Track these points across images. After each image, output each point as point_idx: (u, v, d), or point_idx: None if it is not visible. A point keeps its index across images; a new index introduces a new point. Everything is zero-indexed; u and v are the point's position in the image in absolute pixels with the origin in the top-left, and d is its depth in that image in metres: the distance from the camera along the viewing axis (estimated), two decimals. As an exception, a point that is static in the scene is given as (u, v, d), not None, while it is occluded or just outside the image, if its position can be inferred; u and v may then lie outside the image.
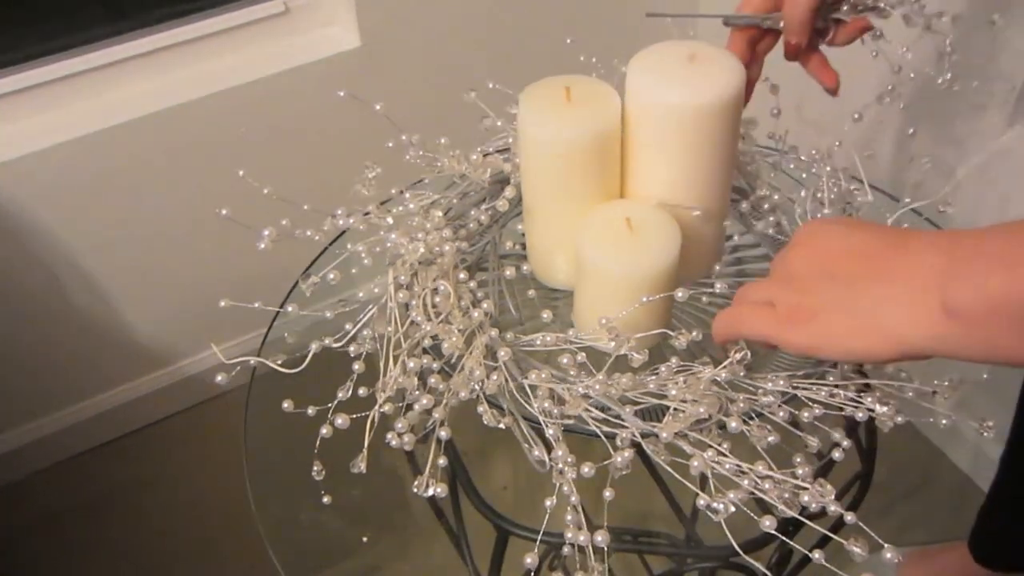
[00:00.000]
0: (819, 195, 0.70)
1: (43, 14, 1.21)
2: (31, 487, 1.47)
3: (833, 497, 0.51)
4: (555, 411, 0.58)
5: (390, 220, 0.69)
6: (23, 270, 1.27)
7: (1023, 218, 0.39)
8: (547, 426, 0.57)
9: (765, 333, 0.49)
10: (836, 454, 0.58)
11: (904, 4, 0.67)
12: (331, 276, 0.65)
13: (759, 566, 0.54)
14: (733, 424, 0.55)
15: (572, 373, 0.60)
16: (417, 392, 0.60)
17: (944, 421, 0.61)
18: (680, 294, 0.60)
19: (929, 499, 1.33)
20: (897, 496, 1.31)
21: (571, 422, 0.58)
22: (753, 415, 0.57)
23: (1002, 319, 0.38)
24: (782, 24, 0.67)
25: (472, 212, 0.73)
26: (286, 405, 0.61)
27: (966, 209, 1.19)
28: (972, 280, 0.39)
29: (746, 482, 0.52)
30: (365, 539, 0.96)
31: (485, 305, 0.65)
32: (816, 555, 0.49)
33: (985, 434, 0.61)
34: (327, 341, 0.62)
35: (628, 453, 0.55)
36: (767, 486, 0.52)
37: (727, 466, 0.53)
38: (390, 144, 0.71)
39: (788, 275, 0.48)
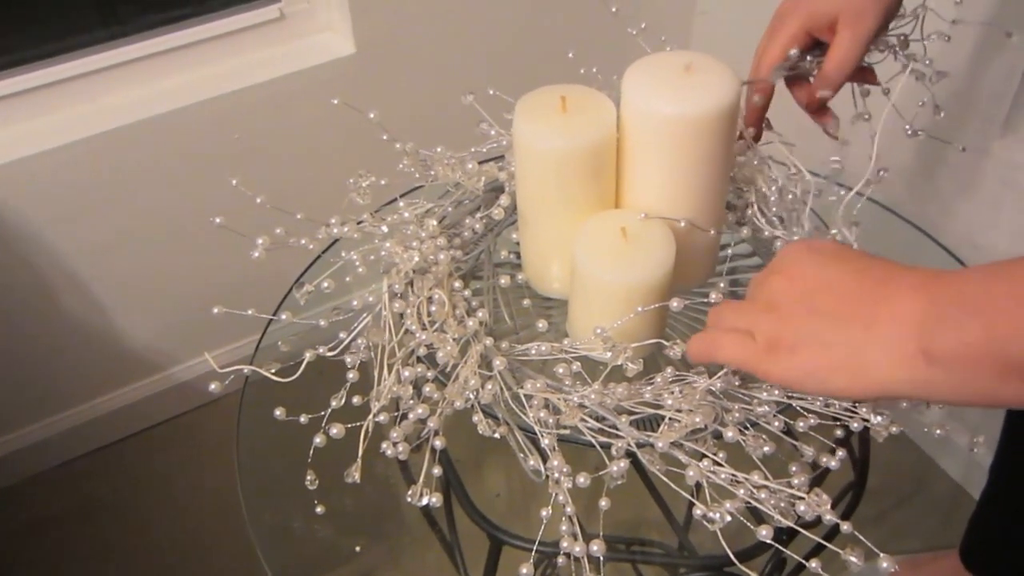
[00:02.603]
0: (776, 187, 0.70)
1: (37, 18, 1.20)
2: (23, 493, 1.46)
3: (829, 507, 0.51)
4: (550, 421, 0.58)
5: (384, 229, 0.68)
6: (14, 275, 1.26)
7: (1002, 261, 0.40)
8: (543, 436, 0.57)
9: (743, 363, 0.48)
10: (832, 463, 0.58)
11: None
12: (325, 284, 0.65)
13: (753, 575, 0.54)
14: (729, 434, 0.55)
15: (567, 383, 0.60)
16: (412, 401, 0.59)
17: (938, 431, 0.61)
18: (675, 304, 0.60)
19: (920, 507, 1.33)
20: (889, 504, 1.31)
21: (566, 432, 0.58)
22: (748, 425, 0.57)
23: (981, 365, 0.39)
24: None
25: (467, 221, 0.73)
26: (278, 413, 0.60)
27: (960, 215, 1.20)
28: (952, 328, 0.39)
29: (741, 491, 0.52)
30: (358, 548, 0.96)
31: (480, 314, 0.65)
32: (812, 564, 0.49)
33: (975, 451, 0.61)
34: (321, 350, 0.62)
35: (624, 463, 0.55)
36: (763, 495, 0.52)
37: (722, 476, 0.53)
38: (385, 140, 0.70)
39: (767, 303, 0.48)
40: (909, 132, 0.68)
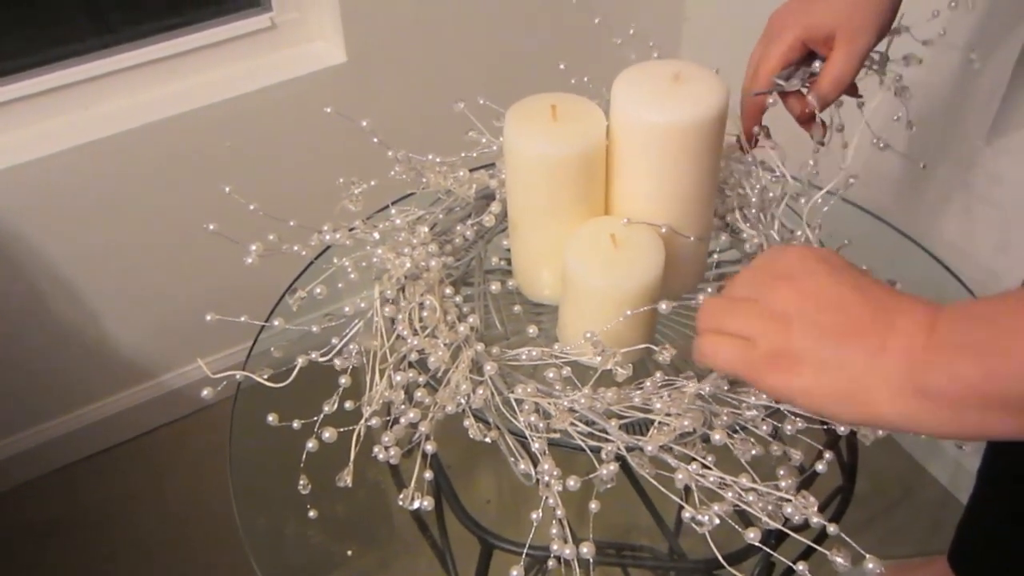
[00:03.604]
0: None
1: (29, 26, 1.20)
2: (14, 500, 1.46)
3: (816, 509, 0.52)
4: (541, 425, 0.58)
5: (376, 235, 0.69)
6: (7, 282, 1.26)
7: (1000, 296, 0.41)
8: (533, 440, 0.58)
9: (742, 373, 0.48)
10: (819, 466, 0.58)
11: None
12: (317, 290, 0.66)
13: (742, 579, 0.55)
14: (717, 437, 0.55)
15: (557, 387, 0.60)
16: (403, 406, 0.60)
17: (924, 435, 0.61)
18: (664, 307, 0.60)
19: (909, 513, 1.34)
20: (878, 510, 1.32)
21: (557, 436, 0.58)
22: (737, 428, 0.58)
23: (970, 402, 0.40)
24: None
25: (458, 227, 0.74)
26: (271, 419, 0.61)
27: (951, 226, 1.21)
28: (947, 367, 0.40)
29: (730, 494, 0.53)
30: (350, 553, 0.96)
31: (471, 319, 0.65)
32: (800, 567, 0.50)
33: (964, 448, 0.62)
34: (313, 355, 0.62)
35: (613, 466, 0.56)
36: (751, 498, 0.53)
37: (711, 479, 0.54)
38: (377, 147, 0.71)
39: (775, 313, 0.46)
40: (882, 146, 0.70)
